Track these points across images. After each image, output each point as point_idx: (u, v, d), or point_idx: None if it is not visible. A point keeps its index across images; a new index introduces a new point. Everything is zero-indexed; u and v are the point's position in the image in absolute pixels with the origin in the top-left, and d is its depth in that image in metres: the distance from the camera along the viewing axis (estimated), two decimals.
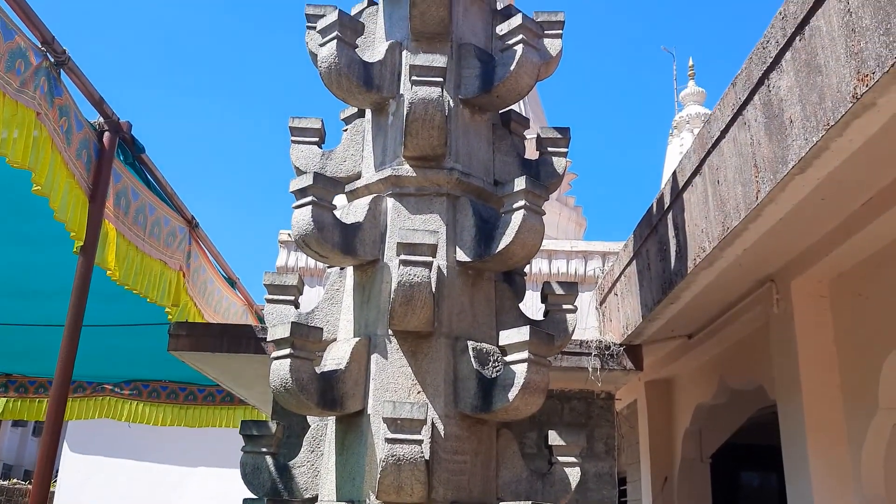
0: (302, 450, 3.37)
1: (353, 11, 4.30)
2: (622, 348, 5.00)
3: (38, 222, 4.24)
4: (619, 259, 5.12)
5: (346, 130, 4.26)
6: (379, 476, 2.87)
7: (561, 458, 3.32)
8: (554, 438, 3.35)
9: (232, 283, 6.35)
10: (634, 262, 4.67)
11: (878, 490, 4.00)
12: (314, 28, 4.04)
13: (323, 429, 3.41)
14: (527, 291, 4.24)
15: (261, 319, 7.30)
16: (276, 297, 3.63)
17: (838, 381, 4.36)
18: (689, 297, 4.10)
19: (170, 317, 5.01)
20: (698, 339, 5.91)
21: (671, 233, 3.96)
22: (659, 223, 4.16)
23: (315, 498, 3.26)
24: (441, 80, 3.31)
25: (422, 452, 2.88)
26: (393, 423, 2.88)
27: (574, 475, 3.28)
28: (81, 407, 8.68)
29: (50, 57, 3.39)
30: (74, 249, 3.83)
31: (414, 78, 3.30)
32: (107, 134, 3.93)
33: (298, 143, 3.84)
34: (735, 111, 3.07)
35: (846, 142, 2.45)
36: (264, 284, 3.66)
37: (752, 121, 2.95)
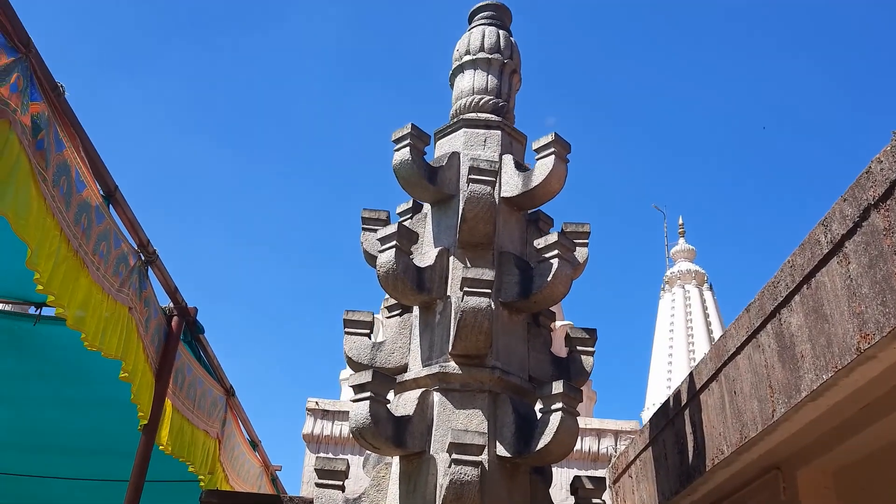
0: None
1: (399, 210, 4.83)
2: None
3: (96, 388, 4.57)
4: (634, 443, 5.41)
5: (389, 318, 4.66)
6: None
7: None
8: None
9: (254, 445, 6.55)
10: (651, 448, 4.96)
11: None
12: (369, 229, 4.55)
13: None
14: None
15: (273, 481, 7.42)
16: (326, 481, 3.89)
17: None
18: (706, 490, 4.37)
19: (202, 484, 5.19)
20: None
21: (688, 429, 4.29)
22: (676, 417, 4.50)
23: None
24: (489, 291, 3.74)
25: None
26: None
27: None
28: None
29: (142, 256, 3.83)
30: (139, 427, 4.11)
31: (466, 289, 3.74)
32: (175, 318, 4.32)
33: (351, 334, 4.22)
34: (749, 334, 3.50)
35: (853, 381, 2.85)
36: (315, 469, 3.92)
37: (765, 346, 3.37)
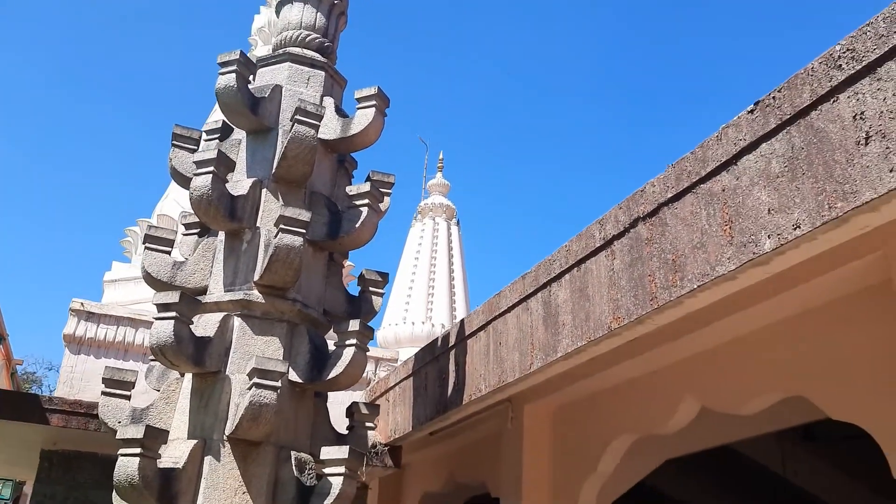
0: None
1: (206, 127, 4.80)
2: (386, 448, 5.84)
3: None
4: (396, 371, 6.01)
5: (186, 235, 4.69)
6: None
7: None
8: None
9: (1, 338, 6.16)
10: (412, 378, 5.58)
11: None
12: (180, 147, 4.50)
13: None
14: None
15: (13, 375, 7.02)
16: (113, 390, 3.94)
17: (550, 491, 5.57)
18: (456, 418, 5.09)
19: None
20: (437, 437, 6.94)
21: (452, 367, 4.93)
22: (441, 355, 5.13)
23: None
24: (304, 231, 3.98)
25: None
26: None
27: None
28: None
29: None
30: None
31: (282, 226, 3.94)
32: None
33: (153, 250, 4.22)
34: (521, 298, 4.15)
35: (598, 349, 3.59)
36: (103, 379, 3.96)
37: (534, 309, 4.03)
